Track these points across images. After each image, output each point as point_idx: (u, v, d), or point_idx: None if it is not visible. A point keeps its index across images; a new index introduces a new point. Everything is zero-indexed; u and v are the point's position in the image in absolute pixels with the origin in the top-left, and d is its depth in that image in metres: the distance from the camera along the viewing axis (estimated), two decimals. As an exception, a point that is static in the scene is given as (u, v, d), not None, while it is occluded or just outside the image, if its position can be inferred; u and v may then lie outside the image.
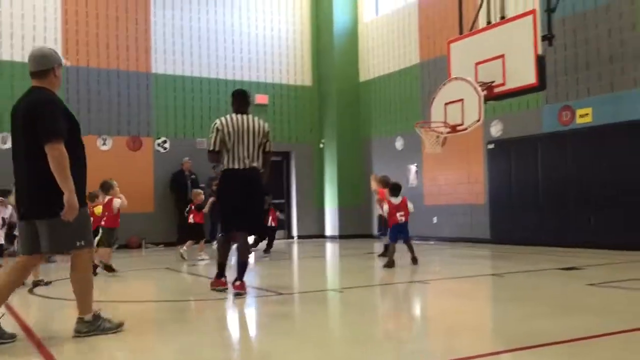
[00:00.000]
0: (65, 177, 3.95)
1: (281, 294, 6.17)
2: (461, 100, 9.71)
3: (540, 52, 9.17)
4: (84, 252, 4.21)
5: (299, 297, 6.31)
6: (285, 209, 16.01)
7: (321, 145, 16.34)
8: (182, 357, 3.74)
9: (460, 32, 10.94)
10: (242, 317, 5.25)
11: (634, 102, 9.94)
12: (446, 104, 10.03)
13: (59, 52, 13.29)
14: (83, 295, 4.21)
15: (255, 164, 6.05)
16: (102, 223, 8.19)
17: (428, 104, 10.77)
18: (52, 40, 13.30)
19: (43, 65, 4.19)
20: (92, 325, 4.18)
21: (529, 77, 9.13)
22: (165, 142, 14.40)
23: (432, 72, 13.78)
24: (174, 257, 10.61)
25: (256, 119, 6.22)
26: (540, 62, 9.13)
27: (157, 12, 14.47)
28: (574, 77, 10.87)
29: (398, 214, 8.60)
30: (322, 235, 16.11)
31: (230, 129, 5.99)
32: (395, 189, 8.87)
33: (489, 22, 10.31)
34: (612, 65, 10.30)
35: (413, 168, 14.25)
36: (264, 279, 7.94)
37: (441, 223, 13.55)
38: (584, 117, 10.71)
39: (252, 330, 4.78)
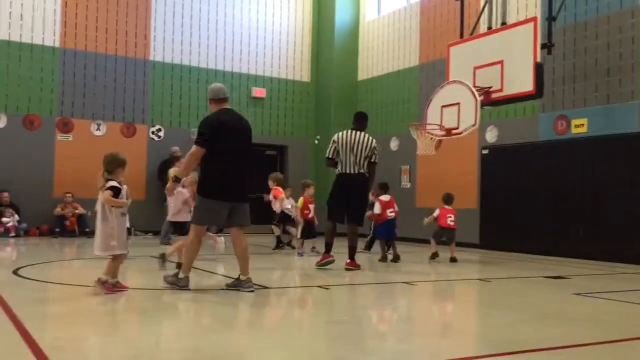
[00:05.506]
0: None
1: (267, 288, 6.16)
2: (458, 103, 9.71)
3: (539, 60, 9.18)
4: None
5: (275, 292, 6.28)
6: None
7: (316, 142, 16.31)
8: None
9: (461, 36, 10.95)
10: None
11: (628, 114, 9.97)
12: (443, 106, 10.04)
13: (57, 34, 12.98)
14: (246, 261, 5.76)
15: (362, 170, 7.75)
16: None
17: (424, 106, 10.77)
18: (51, 22, 13.19)
19: (226, 93, 5.93)
20: (242, 283, 5.72)
21: (527, 84, 9.15)
22: (159, 130, 14.33)
23: (430, 74, 13.77)
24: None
25: (367, 136, 7.86)
26: (539, 70, 9.14)
27: (158, -1, 14.40)
28: (571, 86, 10.88)
29: (388, 211, 9.36)
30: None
31: (342, 142, 7.79)
32: (383, 188, 9.63)
33: (489, 28, 10.32)
34: (609, 77, 10.32)
35: (407, 169, 14.23)
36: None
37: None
38: (580, 127, 10.72)
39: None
